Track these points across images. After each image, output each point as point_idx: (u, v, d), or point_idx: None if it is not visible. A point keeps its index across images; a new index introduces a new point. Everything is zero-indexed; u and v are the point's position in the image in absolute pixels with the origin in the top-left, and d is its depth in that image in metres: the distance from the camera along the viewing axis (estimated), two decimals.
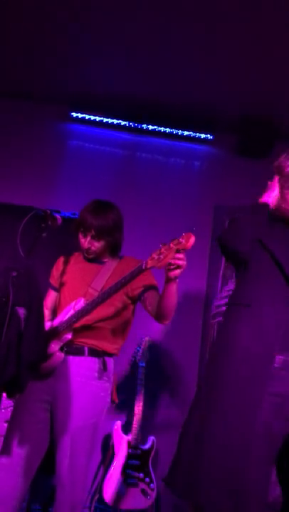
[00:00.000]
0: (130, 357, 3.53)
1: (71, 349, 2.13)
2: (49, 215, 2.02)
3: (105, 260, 2.32)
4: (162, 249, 1.85)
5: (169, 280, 1.92)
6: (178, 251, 1.82)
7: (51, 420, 2.11)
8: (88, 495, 3.38)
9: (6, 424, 2.23)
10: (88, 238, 2.23)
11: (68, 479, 2.02)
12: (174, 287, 1.96)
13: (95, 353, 2.14)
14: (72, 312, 2.11)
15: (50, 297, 2.40)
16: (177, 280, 1.93)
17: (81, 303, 2.10)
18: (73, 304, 2.13)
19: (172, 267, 1.84)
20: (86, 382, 2.10)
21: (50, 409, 2.11)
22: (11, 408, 2.26)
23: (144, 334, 3.51)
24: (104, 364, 2.13)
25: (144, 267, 1.94)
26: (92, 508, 3.03)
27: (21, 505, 2.13)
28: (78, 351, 2.13)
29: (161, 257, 1.84)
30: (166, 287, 1.97)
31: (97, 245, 2.24)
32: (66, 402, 2.07)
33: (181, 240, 1.81)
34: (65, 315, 2.13)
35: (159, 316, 2.12)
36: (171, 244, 1.83)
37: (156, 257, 1.87)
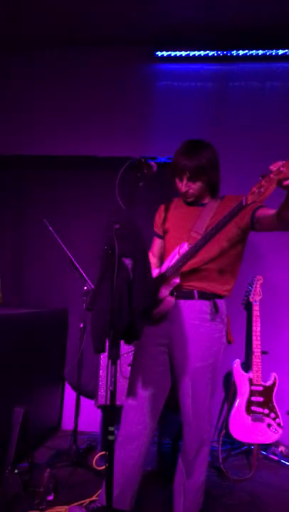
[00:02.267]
0: (243, 297, 3.49)
1: (181, 293, 2.14)
2: (144, 163, 1.99)
3: (206, 202, 2.25)
4: (262, 182, 1.73)
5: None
6: (280, 181, 1.69)
7: (170, 362, 2.18)
8: (215, 430, 3.50)
9: (129, 368, 2.34)
10: (184, 181, 2.17)
11: (193, 418, 2.09)
12: None
13: (204, 295, 2.13)
14: (177, 257, 2.10)
15: (156, 245, 2.42)
16: None
17: (185, 247, 2.09)
18: (177, 248, 2.12)
19: (284, 183, 1.68)
20: (200, 324, 2.11)
21: (169, 352, 2.17)
22: (132, 353, 2.37)
23: (255, 273, 3.43)
24: (215, 306, 2.12)
25: (244, 204, 1.83)
26: (220, 442, 3.14)
27: (152, 440, 2.26)
28: (188, 295, 2.14)
29: (262, 190, 1.72)
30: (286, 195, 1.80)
31: (195, 187, 2.18)
32: (182, 344, 2.11)
33: (282, 168, 1.68)
34: (171, 260, 2.14)
35: (283, 222, 1.91)
36: (272, 175, 1.70)
37: (256, 190, 1.75)
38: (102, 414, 3.15)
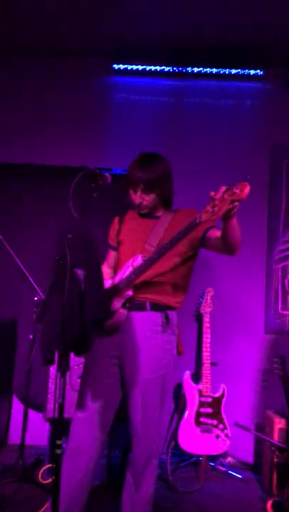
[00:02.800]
0: (194, 308, 3.54)
1: (133, 305, 2.14)
2: (98, 174, 1.99)
3: (159, 214, 2.28)
4: (216, 201, 1.78)
5: (227, 218, 1.86)
6: (232, 202, 1.74)
7: (121, 374, 2.17)
8: (164, 442, 3.50)
9: (79, 380, 2.31)
10: (138, 193, 2.20)
11: (142, 430, 2.09)
12: (234, 221, 1.90)
13: (156, 307, 2.15)
14: (130, 269, 2.11)
15: (111, 257, 2.43)
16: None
17: (138, 259, 2.10)
18: (131, 261, 2.13)
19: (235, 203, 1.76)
20: (151, 336, 2.12)
21: (119, 364, 2.17)
22: (82, 365, 2.34)
23: (205, 285, 3.49)
24: (167, 318, 2.14)
25: (198, 221, 1.87)
26: (170, 454, 3.15)
27: (102, 453, 2.23)
28: (140, 307, 2.14)
29: (216, 209, 1.77)
30: (225, 224, 1.91)
31: (148, 199, 2.20)
32: (134, 356, 2.11)
33: (235, 190, 1.73)
34: (124, 272, 2.14)
35: (227, 248, 2.05)
36: (225, 196, 1.75)
37: (210, 209, 1.80)
38: (51, 427, 3.09)
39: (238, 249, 2.06)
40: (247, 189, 1.71)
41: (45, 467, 2.93)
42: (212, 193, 1.80)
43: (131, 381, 2.11)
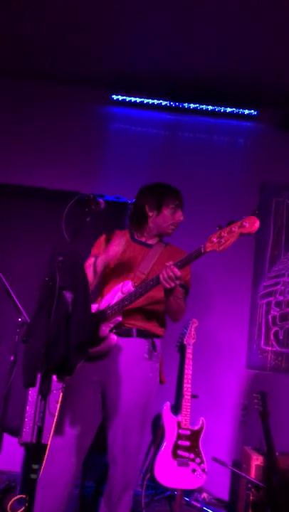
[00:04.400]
0: (177, 338, 3.53)
1: (120, 330, 2.14)
2: (92, 200, 2.03)
3: (153, 243, 2.31)
4: (223, 233, 1.81)
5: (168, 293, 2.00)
6: (242, 235, 1.77)
7: (102, 400, 2.14)
8: (140, 473, 3.44)
9: (57, 405, 2.28)
10: (180, 212, 2.31)
11: (121, 458, 2.06)
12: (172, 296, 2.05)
13: (143, 334, 2.15)
14: (120, 295, 2.11)
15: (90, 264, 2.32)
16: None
17: (129, 285, 2.10)
18: (120, 286, 2.13)
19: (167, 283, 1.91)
20: (136, 362, 2.12)
21: (102, 390, 2.14)
22: (62, 390, 2.31)
23: (190, 316, 3.50)
24: (153, 345, 2.14)
25: (202, 251, 1.90)
26: (144, 486, 3.08)
27: (75, 482, 2.18)
28: (127, 333, 2.14)
29: (222, 240, 1.80)
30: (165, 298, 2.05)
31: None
32: (117, 382, 2.09)
33: (244, 223, 1.76)
34: (113, 297, 2.14)
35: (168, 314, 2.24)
36: (234, 228, 1.78)
37: (216, 240, 1.83)
38: (25, 452, 3.01)
39: (178, 318, 2.22)
40: (257, 224, 1.75)
41: (16, 497, 2.85)
42: (219, 227, 1.85)
43: (113, 408, 2.09)
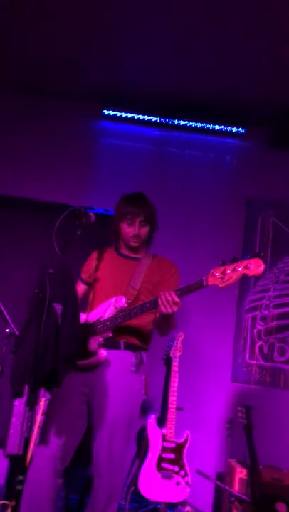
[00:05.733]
0: (164, 351, 3.56)
1: (108, 343, 2.15)
2: (83, 213, 2.07)
3: (139, 256, 2.34)
4: (227, 270, 1.85)
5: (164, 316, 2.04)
6: (245, 276, 1.82)
7: (88, 411, 2.16)
8: (124, 486, 3.43)
9: (42, 417, 2.29)
10: (136, 224, 2.25)
11: (106, 469, 2.06)
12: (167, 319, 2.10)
13: (130, 347, 2.18)
14: (112, 309, 2.12)
15: (80, 290, 2.38)
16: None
17: (122, 301, 2.11)
18: (113, 300, 2.14)
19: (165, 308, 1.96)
20: (123, 374, 2.14)
21: (88, 400, 2.15)
22: (47, 401, 2.32)
23: (177, 329, 3.52)
24: (141, 358, 2.17)
25: (204, 284, 1.94)
26: (128, 499, 3.08)
27: (59, 494, 2.18)
28: (114, 345, 2.16)
29: (225, 278, 1.85)
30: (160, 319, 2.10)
31: (144, 231, 2.29)
32: (104, 394, 2.11)
33: (250, 265, 1.80)
34: (105, 311, 2.15)
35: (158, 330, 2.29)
36: (238, 267, 1.83)
37: (218, 275, 1.87)
38: (9, 463, 3.00)
39: (168, 334, 2.29)
40: (262, 268, 1.80)
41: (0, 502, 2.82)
42: (222, 262, 1.90)
43: (98, 418, 2.10)
